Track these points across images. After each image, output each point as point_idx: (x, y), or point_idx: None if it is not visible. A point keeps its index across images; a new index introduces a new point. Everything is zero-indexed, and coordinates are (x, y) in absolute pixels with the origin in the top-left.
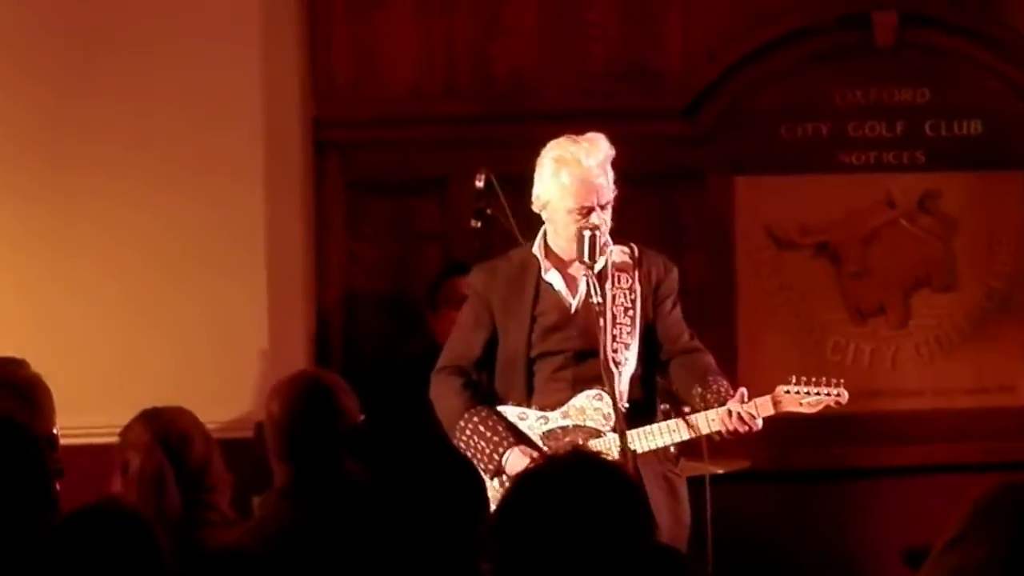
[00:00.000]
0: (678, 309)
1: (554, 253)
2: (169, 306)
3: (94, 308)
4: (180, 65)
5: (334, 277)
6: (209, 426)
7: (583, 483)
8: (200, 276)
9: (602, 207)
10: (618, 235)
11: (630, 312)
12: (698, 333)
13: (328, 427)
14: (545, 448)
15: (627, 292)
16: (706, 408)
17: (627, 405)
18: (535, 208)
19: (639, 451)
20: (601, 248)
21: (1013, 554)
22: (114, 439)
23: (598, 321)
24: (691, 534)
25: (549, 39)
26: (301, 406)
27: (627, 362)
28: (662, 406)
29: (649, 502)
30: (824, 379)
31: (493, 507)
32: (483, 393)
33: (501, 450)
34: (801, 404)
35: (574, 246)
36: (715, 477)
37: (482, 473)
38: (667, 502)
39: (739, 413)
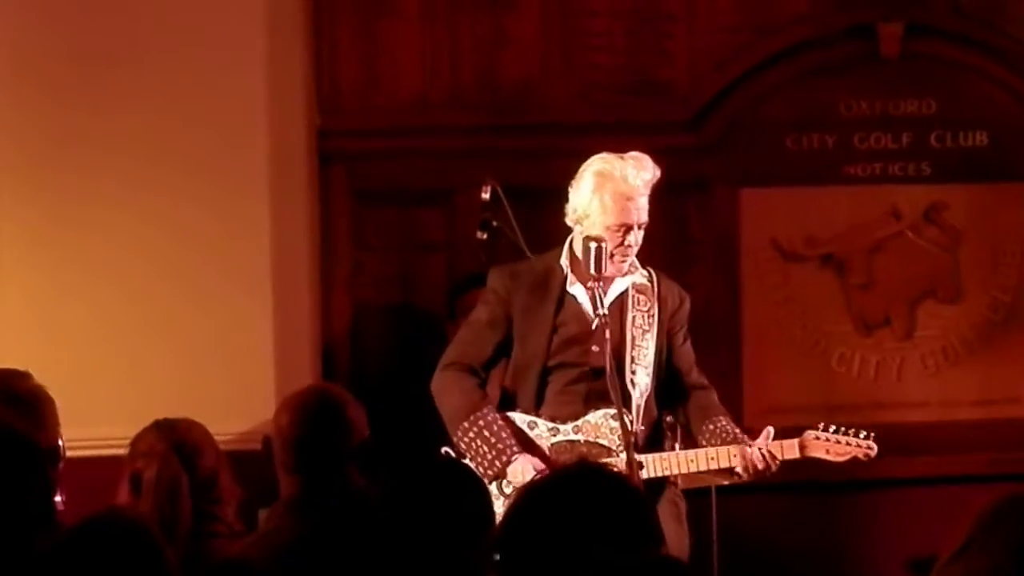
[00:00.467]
0: (688, 343)
1: (579, 266)
2: (175, 317)
3: (100, 319)
4: (186, 76)
5: (340, 288)
6: (216, 438)
7: (590, 495)
8: (206, 287)
9: (640, 227)
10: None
11: (648, 335)
12: (704, 345)
13: (336, 440)
14: (552, 459)
15: (646, 314)
16: (713, 446)
17: (642, 427)
18: (568, 220)
19: (651, 475)
20: (607, 264)
21: (1018, 564)
22: (121, 451)
23: (604, 332)
24: (696, 548)
25: (554, 50)
26: (310, 419)
27: (641, 384)
28: (667, 418)
29: (657, 516)
30: (854, 429)
31: (497, 509)
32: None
33: (504, 458)
34: (828, 452)
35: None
36: (720, 489)
37: (479, 474)
38: (674, 527)
39: (761, 451)
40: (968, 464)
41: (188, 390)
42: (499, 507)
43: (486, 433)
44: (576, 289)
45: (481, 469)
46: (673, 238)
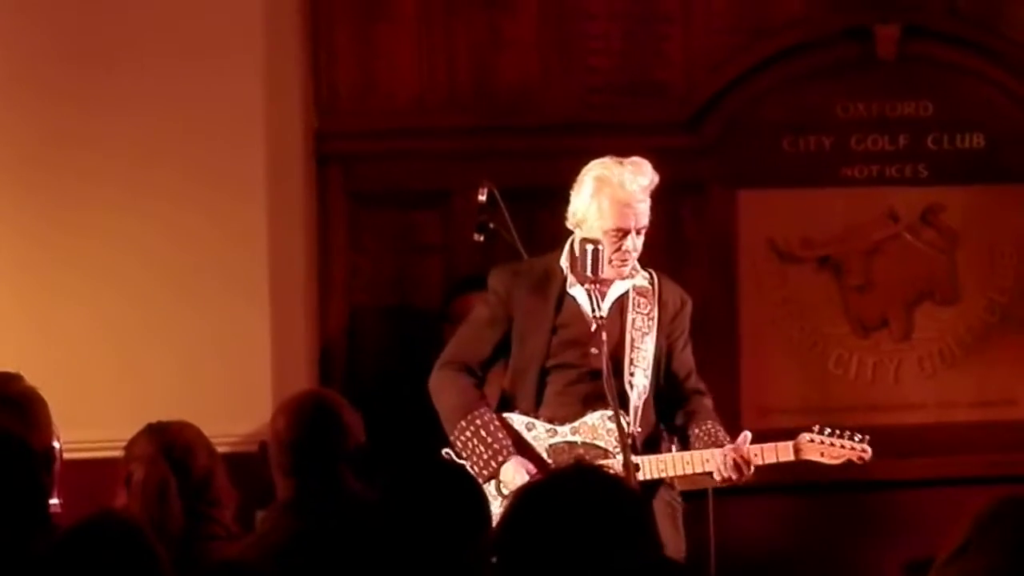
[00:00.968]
0: (689, 348)
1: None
2: (172, 320)
3: (97, 322)
4: (182, 79)
5: (336, 290)
6: (212, 441)
7: (587, 496)
8: (203, 289)
9: (638, 231)
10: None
11: (647, 337)
12: (701, 346)
13: (332, 444)
14: (548, 461)
15: (646, 317)
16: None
17: (638, 429)
18: (569, 224)
19: (647, 477)
20: (604, 266)
21: (1015, 566)
22: (117, 453)
23: (600, 334)
24: (693, 550)
25: (551, 52)
26: (306, 423)
27: (640, 386)
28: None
29: (654, 518)
30: (849, 432)
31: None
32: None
33: (500, 458)
34: (823, 455)
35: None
36: (717, 491)
37: (478, 478)
38: (670, 532)
39: (733, 458)
40: (965, 466)
41: (185, 393)
42: (496, 508)
43: (482, 433)
44: (576, 290)
45: (476, 469)
46: (670, 239)
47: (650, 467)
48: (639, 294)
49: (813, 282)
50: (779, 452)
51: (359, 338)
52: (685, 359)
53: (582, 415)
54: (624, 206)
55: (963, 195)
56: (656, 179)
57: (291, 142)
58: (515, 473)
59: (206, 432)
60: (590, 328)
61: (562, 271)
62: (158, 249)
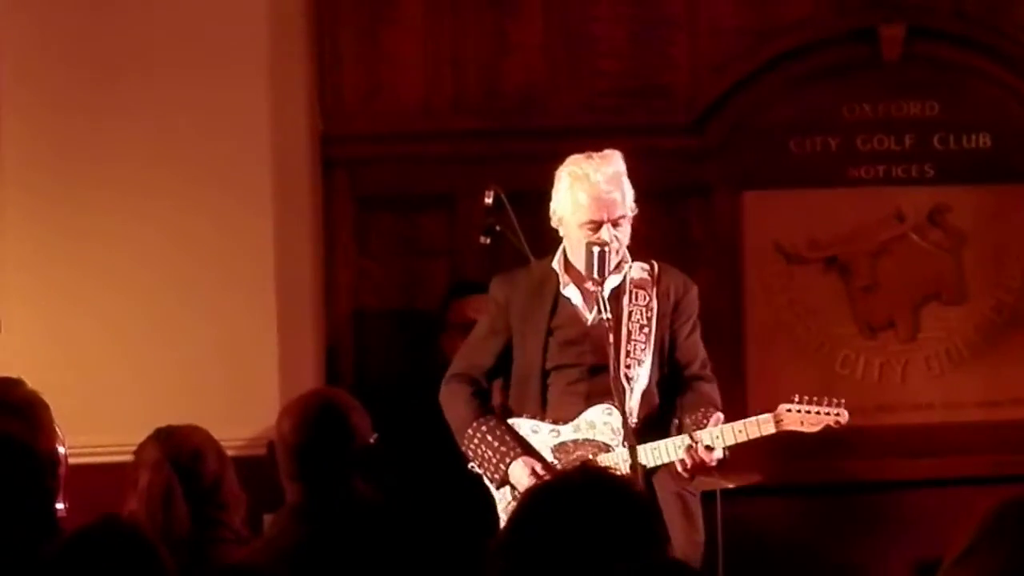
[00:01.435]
0: (696, 334)
1: (573, 268)
2: (180, 324)
3: (105, 327)
4: (189, 84)
5: (343, 294)
6: (221, 444)
7: (593, 499)
8: (210, 294)
9: (614, 223)
10: (635, 251)
11: (645, 329)
12: (707, 347)
13: (339, 447)
14: (554, 461)
15: (644, 309)
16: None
17: (635, 421)
18: (552, 223)
19: (649, 466)
20: (611, 265)
21: (1023, 568)
22: (126, 458)
23: (608, 337)
24: (704, 552)
25: (557, 55)
26: (312, 426)
27: (639, 378)
28: (676, 421)
29: (663, 518)
30: (827, 399)
31: (503, 516)
32: (491, 402)
33: (508, 460)
34: (803, 423)
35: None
36: (727, 491)
37: (489, 483)
38: (680, 521)
39: (692, 445)
40: (973, 466)
41: (193, 396)
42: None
43: (489, 438)
44: (570, 291)
45: (488, 475)
46: (676, 241)
47: (648, 456)
48: (637, 287)
49: (820, 283)
50: (761, 426)
51: (366, 341)
52: (690, 346)
53: (583, 412)
54: (593, 198)
55: (969, 195)
56: (622, 167)
57: (297, 147)
58: (521, 472)
59: (214, 435)
60: (586, 327)
61: (555, 273)
62: (165, 254)
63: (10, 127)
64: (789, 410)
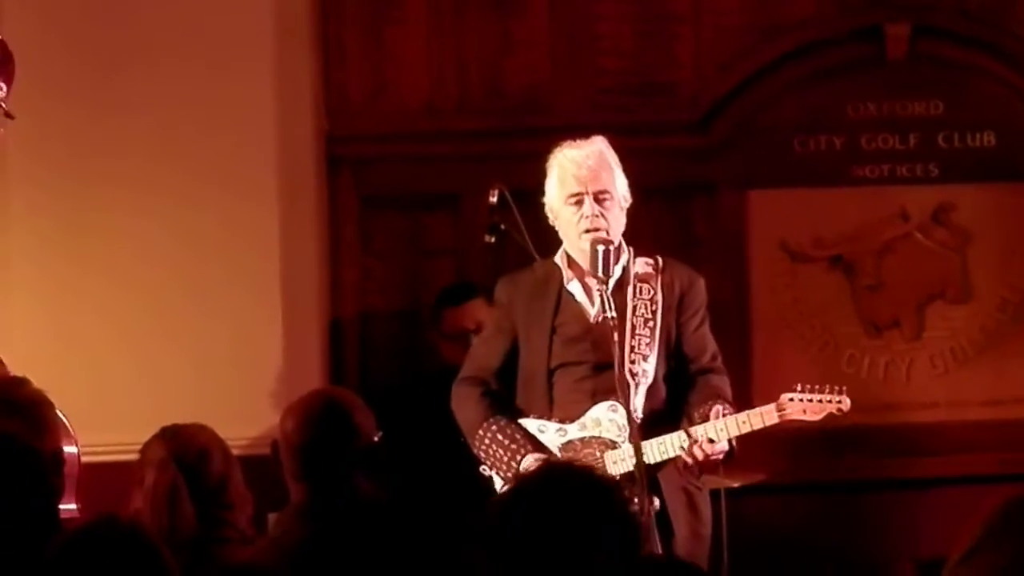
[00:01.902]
0: (705, 326)
1: (576, 263)
2: (185, 322)
3: (110, 325)
4: (195, 83)
5: (348, 292)
6: (226, 442)
7: (557, 495)
8: (216, 292)
9: (597, 198)
10: (640, 248)
11: (650, 323)
12: None
13: (342, 447)
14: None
15: (648, 303)
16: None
17: (640, 416)
18: (550, 220)
19: (653, 462)
20: (615, 259)
21: None
22: (133, 456)
23: (612, 334)
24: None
25: (561, 53)
26: (315, 426)
27: (645, 374)
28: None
29: (626, 499)
30: (828, 386)
31: None
32: (503, 402)
33: (519, 457)
34: (805, 412)
35: (587, 259)
36: (731, 490)
37: (502, 483)
38: (686, 515)
39: (696, 440)
40: (978, 464)
41: (198, 395)
42: None
43: (499, 437)
44: (573, 286)
45: (500, 474)
46: (680, 240)
47: (651, 452)
48: (641, 281)
49: (824, 282)
50: (764, 417)
51: (371, 340)
52: (698, 339)
53: (589, 410)
54: (572, 173)
55: (974, 194)
56: (606, 148)
57: (302, 146)
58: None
59: (220, 434)
60: (589, 323)
61: (558, 269)
62: (170, 252)
63: (16, 123)
64: (791, 399)
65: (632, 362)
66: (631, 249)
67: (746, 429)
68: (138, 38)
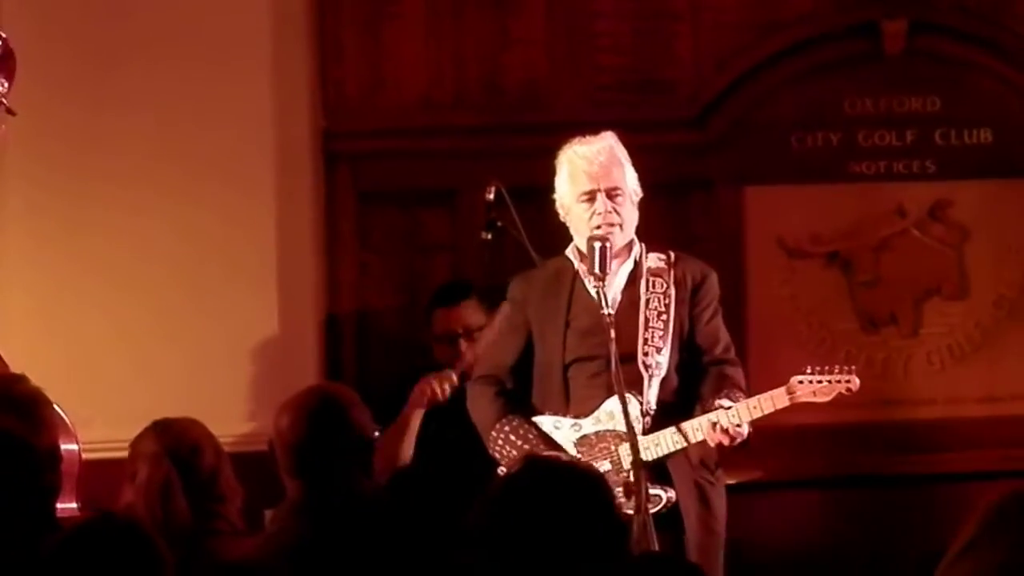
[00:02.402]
0: (718, 318)
1: (586, 260)
2: (182, 318)
3: (107, 321)
4: (192, 79)
5: (345, 289)
6: (223, 439)
7: (541, 490)
8: (212, 288)
9: (609, 195)
10: (650, 244)
11: (663, 316)
12: None
13: (338, 443)
14: (578, 455)
15: (661, 296)
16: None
17: (654, 408)
18: (561, 216)
19: (649, 459)
20: (612, 257)
21: None
22: (126, 453)
23: (609, 332)
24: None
25: (559, 50)
26: (310, 423)
27: (659, 367)
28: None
29: (613, 497)
30: (838, 367)
31: None
32: (517, 401)
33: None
34: (815, 394)
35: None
36: (729, 487)
37: None
38: (697, 510)
39: (720, 425)
40: (975, 461)
41: (194, 391)
42: None
43: (512, 437)
44: (586, 280)
45: None
46: (678, 236)
47: (649, 449)
48: (653, 275)
49: (821, 278)
50: (775, 400)
51: (368, 336)
52: (711, 331)
53: (603, 404)
54: (583, 169)
55: (971, 190)
56: (616, 144)
57: (299, 141)
58: None
59: (216, 431)
60: (603, 316)
61: (571, 264)
62: (167, 248)
63: (13, 120)
64: (801, 381)
65: (646, 355)
66: (643, 244)
67: (758, 414)
68: (135, 35)
